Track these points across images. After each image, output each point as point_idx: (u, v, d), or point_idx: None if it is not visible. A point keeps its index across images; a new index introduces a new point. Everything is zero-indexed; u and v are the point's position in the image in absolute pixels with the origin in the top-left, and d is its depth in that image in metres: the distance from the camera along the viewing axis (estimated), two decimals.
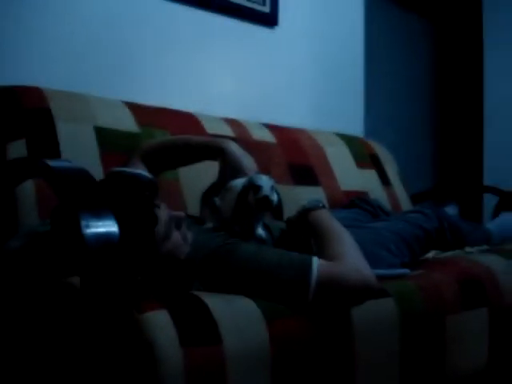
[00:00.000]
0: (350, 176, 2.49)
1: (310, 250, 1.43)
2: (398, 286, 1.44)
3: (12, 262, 1.21)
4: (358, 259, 1.31)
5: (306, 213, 1.51)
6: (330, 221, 1.46)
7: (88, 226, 0.98)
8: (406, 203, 2.67)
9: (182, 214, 1.32)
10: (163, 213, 1.26)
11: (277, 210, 1.51)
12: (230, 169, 1.55)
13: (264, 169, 2.05)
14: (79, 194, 1.02)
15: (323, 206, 1.52)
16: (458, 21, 4.56)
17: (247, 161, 1.57)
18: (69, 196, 1.02)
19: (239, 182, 1.48)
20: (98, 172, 1.64)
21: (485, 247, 2.06)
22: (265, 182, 1.44)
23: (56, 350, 1.14)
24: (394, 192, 2.65)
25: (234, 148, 1.58)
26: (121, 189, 1.22)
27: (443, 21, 4.62)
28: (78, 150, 1.67)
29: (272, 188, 1.44)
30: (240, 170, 1.54)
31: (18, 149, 1.56)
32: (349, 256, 1.30)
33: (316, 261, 1.25)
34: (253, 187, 1.43)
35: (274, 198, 1.45)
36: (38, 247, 1.19)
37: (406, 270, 1.61)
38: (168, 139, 1.80)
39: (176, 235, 1.28)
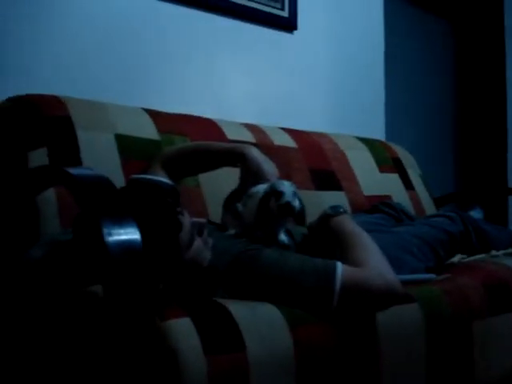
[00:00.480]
0: (372, 180, 2.47)
1: (332, 255, 1.42)
2: (423, 291, 1.42)
3: (34, 271, 1.20)
4: (382, 264, 1.29)
5: (327, 219, 1.49)
6: (351, 226, 1.44)
7: (110, 234, 0.98)
8: (429, 207, 2.64)
9: (203, 220, 1.31)
10: (186, 219, 1.25)
11: (299, 215, 1.49)
12: (252, 175, 1.54)
13: (285, 174, 2.05)
14: (101, 201, 1.02)
15: (345, 212, 1.51)
16: (478, 21, 4.52)
17: (268, 166, 1.56)
18: (90, 204, 1.02)
19: (261, 188, 1.47)
20: (119, 179, 1.64)
21: (511, 250, 2.03)
22: (287, 187, 1.43)
23: (79, 358, 1.13)
24: (418, 196, 2.62)
25: (256, 153, 1.57)
26: (143, 196, 1.21)
27: (463, 21, 4.58)
28: (99, 158, 1.67)
29: (294, 194, 1.43)
30: (262, 175, 1.53)
31: (39, 157, 1.57)
32: (372, 261, 1.28)
33: (340, 266, 1.24)
34: (275, 193, 1.42)
35: (296, 204, 1.44)
36: (60, 256, 1.19)
37: (431, 275, 1.59)
38: (188, 145, 1.80)
39: (198, 242, 1.27)
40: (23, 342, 1.27)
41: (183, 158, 1.65)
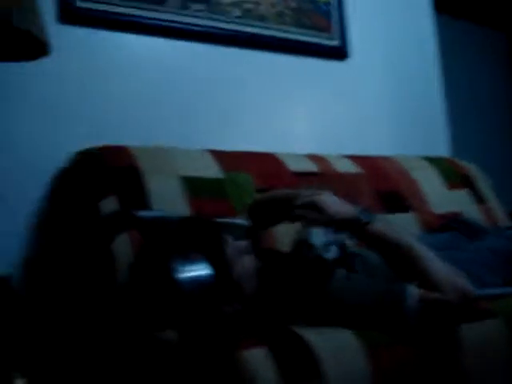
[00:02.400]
0: (441, 198, 2.43)
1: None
2: (503, 305, 1.39)
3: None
4: (449, 273, 1.28)
5: (361, 227, 1.38)
6: (402, 238, 1.37)
7: (182, 271, 1.00)
8: (503, 220, 2.57)
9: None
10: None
11: (341, 262, 1.41)
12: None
13: (352, 200, 2.03)
14: (166, 240, 1.05)
15: (374, 217, 1.40)
16: None
17: (339, 208, 1.42)
18: (158, 243, 1.05)
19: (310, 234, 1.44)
20: None
21: None
22: (315, 237, 1.40)
23: None
24: (490, 209, 2.56)
25: (328, 200, 1.43)
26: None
27: None
28: (167, 202, 1.71)
29: (327, 244, 1.39)
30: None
31: (109, 206, 1.62)
32: (440, 274, 1.26)
33: (412, 289, 1.22)
34: (305, 244, 1.41)
35: (330, 254, 1.39)
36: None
37: (510, 288, 1.54)
38: (269, 194, 1.74)
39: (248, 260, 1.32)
40: None
41: (264, 206, 1.64)
